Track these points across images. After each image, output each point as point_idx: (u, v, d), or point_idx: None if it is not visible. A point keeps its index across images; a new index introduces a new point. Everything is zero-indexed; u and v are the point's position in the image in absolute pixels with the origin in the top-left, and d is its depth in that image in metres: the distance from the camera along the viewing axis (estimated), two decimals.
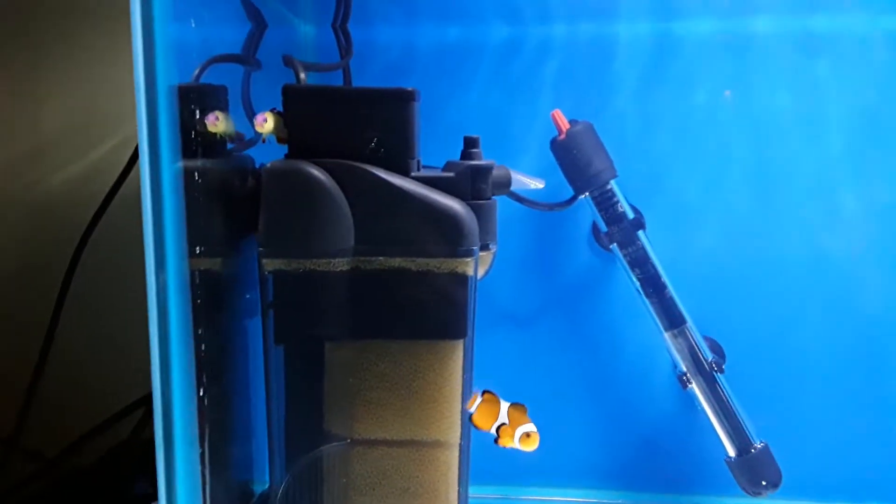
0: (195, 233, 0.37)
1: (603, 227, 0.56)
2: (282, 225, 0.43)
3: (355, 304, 0.45)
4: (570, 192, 0.56)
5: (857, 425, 0.58)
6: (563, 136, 0.54)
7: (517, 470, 0.61)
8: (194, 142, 0.39)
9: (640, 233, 0.55)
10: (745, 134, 0.58)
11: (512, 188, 0.46)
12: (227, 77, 0.48)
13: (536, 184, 0.50)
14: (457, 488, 0.47)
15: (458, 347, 0.46)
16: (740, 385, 0.55)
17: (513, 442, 0.43)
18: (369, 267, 0.44)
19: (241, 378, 0.48)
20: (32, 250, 0.70)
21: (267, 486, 0.51)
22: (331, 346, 0.45)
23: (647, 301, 0.55)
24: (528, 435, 0.42)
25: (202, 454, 0.39)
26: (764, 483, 0.53)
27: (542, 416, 0.60)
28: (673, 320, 0.55)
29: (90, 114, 0.70)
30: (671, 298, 0.55)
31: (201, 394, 0.38)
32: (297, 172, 0.43)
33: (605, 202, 0.55)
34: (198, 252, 0.39)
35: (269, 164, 0.43)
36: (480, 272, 0.47)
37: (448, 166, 0.47)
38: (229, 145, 0.46)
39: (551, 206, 0.57)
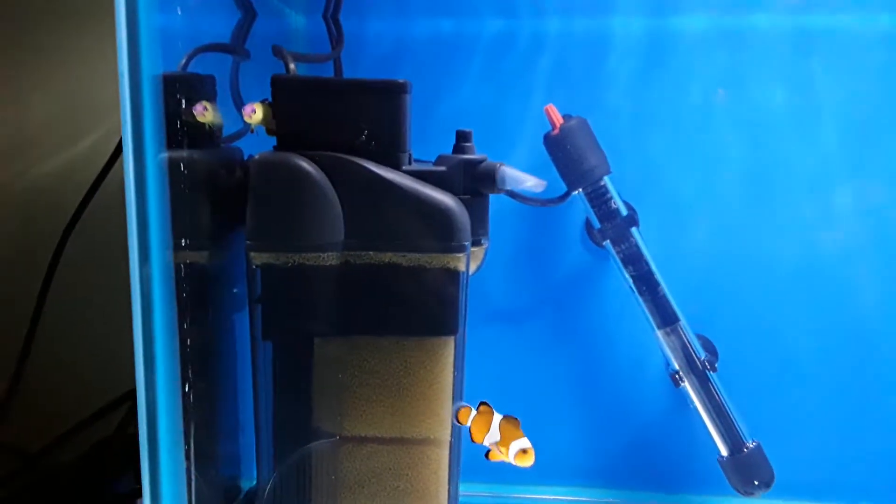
0: (181, 225, 0.36)
1: (596, 223, 0.55)
2: (270, 218, 0.42)
3: (345, 300, 0.44)
4: (563, 187, 0.55)
5: (849, 425, 0.58)
6: (556, 132, 0.54)
7: (508, 468, 0.60)
8: (181, 132, 0.38)
9: (634, 230, 0.55)
10: (739, 131, 0.57)
11: (511, 187, 0.45)
12: (216, 67, 0.47)
13: (538, 184, 0.49)
14: (447, 486, 0.46)
15: (450, 344, 0.45)
16: (733, 384, 0.55)
17: (505, 457, 0.42)
18: (359, 261, 0.44)
19: (227, 374, 0.47)
20: (16, 242, 0.69)
21: (254, 482, 0.50)
22: (320, 341, 0.44)
23: (639, 298, 0.55)
24: (524, 451, 0.41)
25: (187, 451, 0.38)
26: (756, 483, 0.53)
27: (534, 413, 0.60)
28: (666, 318, 0.54)
29: (75, 104, 0.69)
30: (664, 296, 0.54)
31: (186, 390, 0.37)
32: (286, 165, 0.42)
33: (599, 198, 0.55)
34: (183, 245, 0.38)
35: (257, 156, 0.42)
36: (472, 267, 0.46)
37: (440, 160, 0.46)
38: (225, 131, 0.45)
39: (544, 202, 0.56)
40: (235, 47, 0.49)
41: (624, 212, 0.55)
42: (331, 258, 0.43)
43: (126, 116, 0.32)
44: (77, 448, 0.63)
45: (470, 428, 0.44)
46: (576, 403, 0.60)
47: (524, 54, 0.58)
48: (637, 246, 0.55)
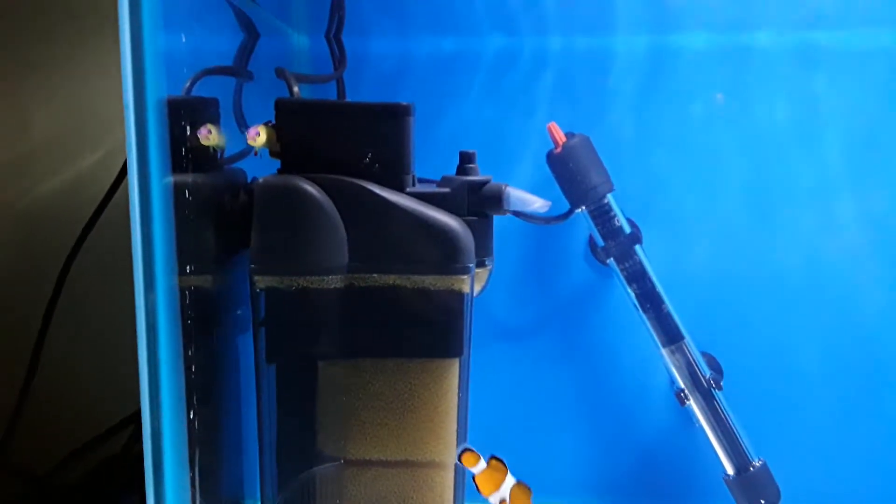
0: (185, 250, 0.36)
1: (600, 241, 0.55)
2: (274, 241, 0.42)
3: (349, 322, 0.44)
4: (566, 205, 0.55)
5: (857, 443, 0.58)
6: (559, 150, 0.54)
7: None
8: (185, 156, 0.38)
9: (637, 247, 0.55)
10: (742, 147, 0.57)
11: (517, 209, 0.45)
12: (219, 88, 0.47)
13: (544, 204, 0.48)
14: None
15: (454, 366, 0.45)
16: (738, 401, 0.54)
17: None
18: (363, 284, 0.43)
19: (231, 397, 0.47)
20: (19, 261, 0.69)
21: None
22: (324, 364, 0.44)
23: (644, 316, 0.54)
24: None
25: (192, 477, 0.38)
26: (762, 502, 0.53)
27: (539, 431, 0.60)
28: (670, 336, 0.54)
29: (78, 122, 0.69)
30: (668, 314, 0.54)
31: (191, 416, 0.37)
32: (291, 188, 0.42)
33: (602, 216, 0.55)
34: (188, 270, 0.38)
35: (261, 180, 0.42)
36: (476, 289, 0.46)
37: (444, 181, 0.46)
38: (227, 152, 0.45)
39: (547, 220, 0.56)
40: (239, 69, 0.49)
41: (627, 229, 0.55)
42: (335, 281, 0.43)
43: (131, 142, 0.32)
44: (83, 470, 0.63)
45: (475, 477, 0.43)
46: (580, 421, 0.60)
47: (526, 72, 0.58)
48: (641, 263, 0.54)
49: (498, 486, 0.42)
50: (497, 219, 0.48)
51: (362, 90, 0.58)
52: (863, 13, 0.56)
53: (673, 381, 0.55)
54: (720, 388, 0.54)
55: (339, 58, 0.57)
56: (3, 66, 0.67)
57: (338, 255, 0.43)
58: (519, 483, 0.42)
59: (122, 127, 0.69)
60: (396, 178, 0.44)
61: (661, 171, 0.58)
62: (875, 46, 0.56)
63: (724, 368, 0.56)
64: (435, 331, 0.44)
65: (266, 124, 0.44)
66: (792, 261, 0.57)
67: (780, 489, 0.53)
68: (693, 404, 0.54)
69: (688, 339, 0.54)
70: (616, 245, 0.55)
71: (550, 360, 0.60)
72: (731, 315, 0.58)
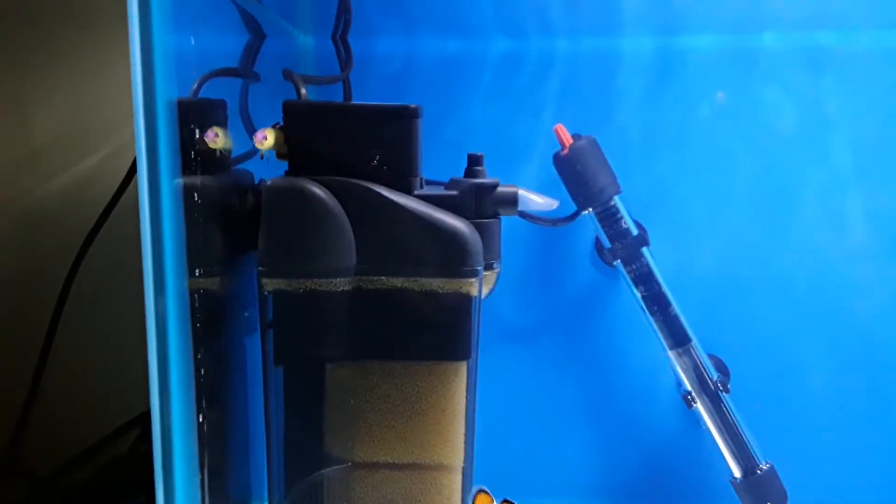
0: (194, 253, 0.36)
1: (606, 243, 0.55)
2: (282, 244, 0.42)
3: (357, 325, 0.44)
4: (572, 207, 0.55)
5: (864, 445, 0.57)
6: (566, 151, 0.54)
7: (518, 487, 0.60)
8: (193, 158, 0.38)
9: (644, 249, 0.54)
10: (749, 149, 0.57)
11: (522, 208, 0.45)
12: (224, 89, 0.47)
13: (549, 204, 0.49)
14: None
15: (462, 369, 0.45)
16: (745, 404, 0.54)
17: None
18: (371, 287, 0.43)
19: (239, 400, 0.47)
20: (22, 262, 0.69)
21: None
22: (332, 367, 0.44)
23: (651, 319, 0.54)
24: None
25: (202, 480, 0.38)
26: None
27: (544, 433, 0.60)
28: (677, 339, 0.54)
29: (82, 121, 0.69)
30: (676, 316, 0.54)
31: (200, 420, 0.37)
32: (299, 190, 0.42)
33: (609, 218, 0.54)
34: (197, 273, 0.38)
35: (269, 182, 0.42)
36: (484, 292, 0.46)
37: (452, 184, 0.46)
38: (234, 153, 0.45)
39: (554, 222, 0.56)
40: (247, 71, 0.48)
41: (634, 231, 0.55)
42: (343, 283, 0.43)
43: (141, 145, 0.32)
44: (88, 471, 0.62)
45: None
46: (587, 424, 0.60)
47: (533, 74, 0.58)
48: (648, 266, 0.54)
49: None
50: (503, 220, 0.48)
51: (367, 91, 0.58)
52: (870, 14, 0.56)
53: (680, 384, 0.55)
54: (727, 391, 0.54)
55: (345, 59, 0.56)
56: (5, 67, 0.67)
57: (346, 258, 0.43)
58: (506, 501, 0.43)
59: (125, 127, 0.69)
60: (404, 181, 0.44)
61: (667, 173, 0.58)
62: (883, 47, 0.56)
63: (731, 370, 0.55)
64: (443, 334, 0.44)
65: (273, 127, 0.44)
66: (799, 263, 0.57)
67: (788, 492, 0.53)
68: (700, 407, 0.54)
69: (695, 341, 0.54)
70: (623, 247, 0.54)
71: (556, 363, 0.60)
72: (738, 317, 0.58)
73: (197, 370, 0.37)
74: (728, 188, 0.57)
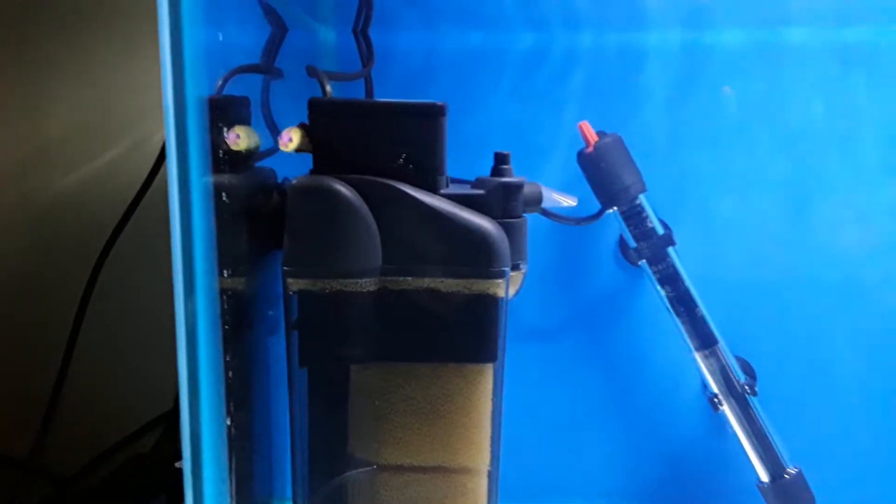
0: (222, 254, 0.36)
1: (632, 242, 0.54)
2: (308, 244, 0.41)
3: (382, 326, 0.43)
4: (596, 205, 0.54)
5: (894, 449, 0.57)
6: (590, 149, 0.53)
7: (539, 489, 0.59)
8: (220, 158, 0.37)
9: (671, 249, 0.54)
10: (778, 147, 0.56)
11: (544, 205, 0.45)
12: (244, 84, 0.46)
13: (569, 201, 0.49)
14: None
15: (488, 371, 0.44)
16: (773, 407, 0.53)
17: None
18: (397, 287, 0.43)
19: (264, 401, 0.46)
20: (44, 259, 0.68)
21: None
22: (357, 368, 0.44)
23: (677, 320, 0.53)
24: None
25: (230, 483, 0.37)
26: None
27: (567, 435, 0.59)
28: (704, 340, 0.53)
29: (97, 117, 0.68)
30: (702, 317, 0.53)
31: (229, 423, 0.37)
32: (324, 189, 0.41)
33: (634, 217, 0.54)
34: (225, 274, 0.37)
35: (294, 181, 0.41)
36: (511, 293, 0.45)
37: (478, 183, 0.45)
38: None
39: (578, 221, 0.55)
40: (271, 68, 0.48)
41: (660, 230, 0.54)
42: (368, 284, 0.42)
43: (171, 145, 0.31)
44: (110, 471, 0.62)
45: None
46: (610, 426, 0.59)
47: (556, 69, 0.57)
48: (674, 265, 0.53)
49: None
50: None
51: (388, 86, 0.57)
52: None
53: (706, 386, 0.54)
54: (755, 394, 0.53)
55: (366, 54, 0.55)
56: (21, 61, 0.67)
57: (371, 258, 0.42)
58: None
59: (143, 122, 0.68)
60: (430, 180, 0.43)
61: (694, 171, 0.57)
62: None
63: (758, 372, 0.55)
64: (469, 335, 0.43)
65: (298, 127, 0.43)
66: (829, 263, 0.56)
67: (816, 497, 0.52)
68: (727, 410, 0.53)
69: (722, 343, 0.53)
70: (648, 247, 0.54)
71: (579, 364, 0.59)
72: (766, 318, 0.57)
73: (225, 372, 0.36)
74: (756, 186, 0.56)
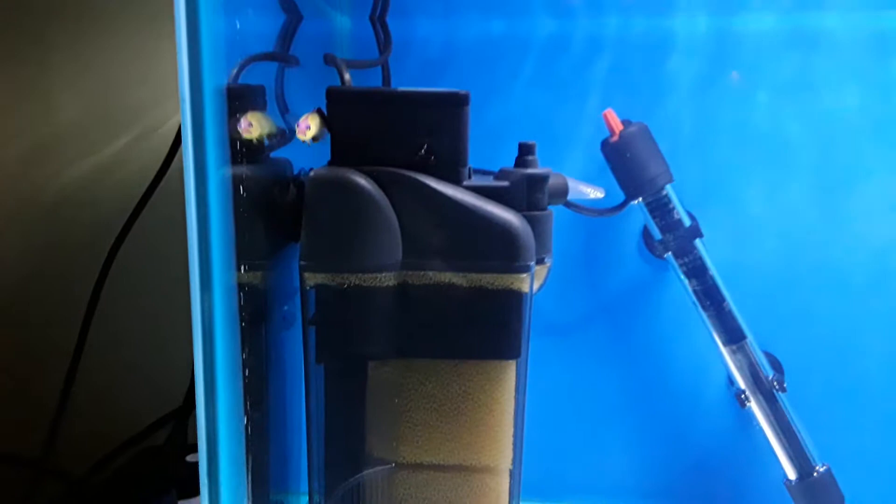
0: (239, 248, 0.34)
1: (657, 234, 0.53)
2: (326, 237, 0.40)
3: (402, 321, 0.42)
4: (619, 196, 0.52)
5: None
6: (615, 138, 0.51)
7: (560, 487, 0.58)
8: (238, 149, 0.36)
9: (697, 241, 0.52)
10: (809, 137, 0.54)
11: (571, 197, 0.43)
12: (257, 71, 0.45)
13: (597, 193, 0.47)
14: None
15: (511, 368, 0.43)
16: (801, 403, 0.52)
17: None
18: (417, 282, 0.41)
19: (280, 399, 0.45)
20: (49, 249, 0.67)
21: (300, 499, 0.48)
22: (375, 364, 0.42)
23: (703, 314, 0.52)
24: None
25: (246, 481, 0.37)
26: None
27: (589, 431, 0.58)
28: (732, 335, 0.52)
29: (106, 107, 0.67)
30: (730, 312, 0.52)
31: (245, 420, 0.36)
32: (343, 182, 0.40)
33: (661, 208, 0.52)
34: (242, 268, 0.36)
35: (312, 173, 0.40)
36: (535, 287, 0.44)
37: (501, 174, 0.44)
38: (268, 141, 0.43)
39: (601, 212, 0.54)
40: (287, 56, 0.46)
41: (687, 222, 0.52)
42: (388, 279, 0.41)
43: (187, 135, 0.30)
44: (119, 468, 0.62)
45: None
46: (633, 422, 0.58)
47: (580, 56, 0.56)
48: (701, 258, 0.52)
49: None
50: None
51: (406, 75, 0.55)
52: None
53: (732, 382, 0.53)
54: (784, 390, 0.51)
55: (383, 42, 0.54)
56: (29, 50, 0.66)
57: (391, 252, 0.41)
58: None
59: (152, 111, 0.67)
60: (453, 171, 0.42)
61: (722, 161, 0.55)
62: None
63: (786, 368, 0.53)
64: (492, 331, 0.42)
65: (316, 112, 0.42)
66: (860, 256, 0.54)
67: (845, 496, 0.51)
68: (754, 406, 0.52)
69: (750, 338, 0.52)
70: (675, 239, 0.52)
71: (601, 360, 0.58)
72: (795, 312, 0.55)
73: (243, 369, 0.35)
74: (786, 177, 0.55)
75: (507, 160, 0.46)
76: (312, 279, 0.41)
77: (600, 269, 0.57)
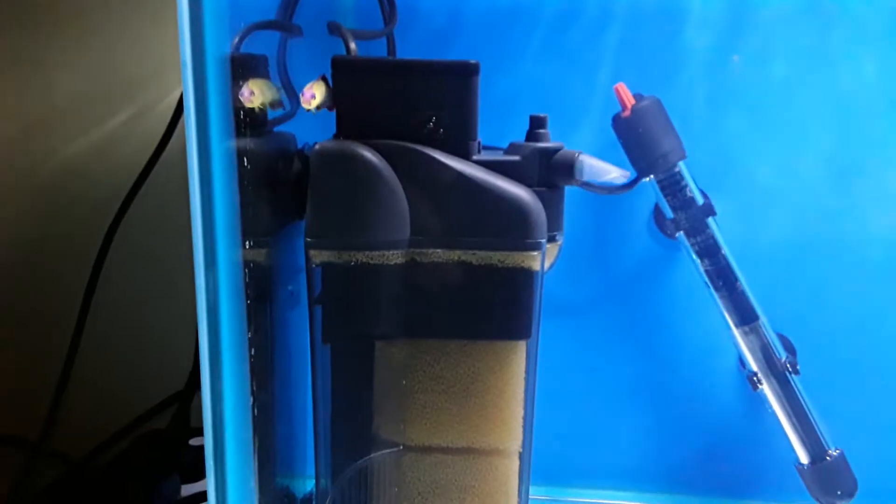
0: (244, 223, 0.33)
1: (669, 213, 0.51)
2: (332, 214, 0.39)
3: (410, 300, 0.41)
4: (631, 173, 0.51)
5: None
6: (627, 113, 0.50)
7: (569, 471, 0.57)
8: (241, 120, 0.34)
9: (710, 220, 0.51)
10: (825, 113, 0.53)
11: (587, 178, 0.42)
12: (257, 42, 0.43)
13: (617, 173, 0.45)
14: (517, 500, 0.43)
15: (521, 348, 0.42)
16: (814, 386, 0.51)
17: None
18: (426, 260, 0.40)
19: (285, 380, 0.44)
20: (48, 228, 0.66)
21: (305, 488, 0.47)
22: (382, 345, 0.41)
23: (716, 294, 0.51)
24: None
25: (252, 463, 0.36)
26: (839, 492, 0.50)
27: (597, 414, 0.57)
28: (744, 316, 0.50)
29: (105, 82, 0.66)
30: (743, 292, 0.50)
31: (251, 401, 0.35)
32: (349, 155, 0.38)
33: (673, 186, 0.51)
34: (246, 245, 0.35)
35: (317, 146, 0.39)
36: (546, 266, 0.43)
37: (512, 148, 0.42)
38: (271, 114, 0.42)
39: (611, 190, 0.52)
40: (290, 24, 0.45)
41: (700, 200, 0.51)
42: (395, 256, 0.40)
43: (189, 105, 0.28)
44: (120, 452, 0.61)
45: None
46: (642, 404, 0.57)
47: (591, 27, 0.54)
48: (714, 238, 0.51)
49: None
50: None
51: (411, 46, 0.53)
52: None
53: (744, 364, 0.52)
54: (797, 373, 0.50)
55: (388, 11, 0.52)
56: (25, 23, 0.64)
57: (399, 229, 0.40)
58: None
59: (150, 86, 0.66)
60: (462, 145, 0.40)
61: (736, 138, 0.53)
62: None
63: (800, 350, 0.52)
64: (502, 311, 0.41)
65: (319, 80, 0.40)
66: (876, 236, 0.53)
67: (858, 480, 0.50)
68: (767, 389, 0.51)
69: (763, 319, 0.51)
70: (687, 217, 0.51)
71: (611, 340, 0.56)
72: (809, 294, 0.54)
73: (248, 349, 0.34)
74: (801, 155, 0.53)
75: (514, 135, 0.44)
76: (318, 257, 0.39)
77: (610, 248, 0.56)
